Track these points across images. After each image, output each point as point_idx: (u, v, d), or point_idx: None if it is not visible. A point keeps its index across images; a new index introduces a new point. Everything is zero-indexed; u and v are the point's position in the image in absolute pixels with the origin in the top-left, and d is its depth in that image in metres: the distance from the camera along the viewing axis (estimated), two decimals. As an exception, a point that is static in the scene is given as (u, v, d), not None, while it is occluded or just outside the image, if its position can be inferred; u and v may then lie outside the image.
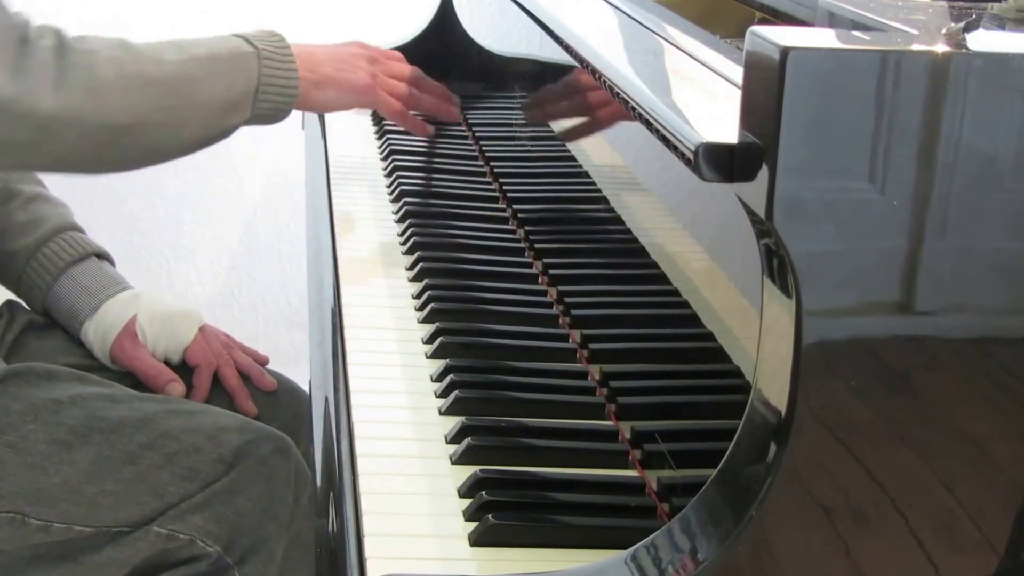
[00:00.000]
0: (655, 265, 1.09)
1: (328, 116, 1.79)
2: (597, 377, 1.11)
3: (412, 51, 1.92)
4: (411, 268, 1.33)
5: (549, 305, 1.24)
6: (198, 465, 1.29)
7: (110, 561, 1.28)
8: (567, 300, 1.22)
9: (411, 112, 1.56)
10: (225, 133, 1.37)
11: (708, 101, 0.91)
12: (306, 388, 1.44)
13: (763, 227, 0.76)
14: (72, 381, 1.34)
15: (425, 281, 1.28)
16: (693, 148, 0.77)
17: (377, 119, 1.80)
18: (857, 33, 0.83)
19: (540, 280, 1.30)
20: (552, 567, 0.82)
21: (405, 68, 1.55)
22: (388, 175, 1.60)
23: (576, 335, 1.18)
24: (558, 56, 1.33)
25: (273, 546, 1.30)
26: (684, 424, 1.00)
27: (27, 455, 1.26)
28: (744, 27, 0.78)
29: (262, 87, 1.36)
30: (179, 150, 1.35)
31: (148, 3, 2.63)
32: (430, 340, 1.17)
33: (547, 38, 1.27)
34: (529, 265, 1.33)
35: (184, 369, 1.49)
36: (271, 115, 1.39)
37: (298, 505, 1.32)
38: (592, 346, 1.14)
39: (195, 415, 1.33)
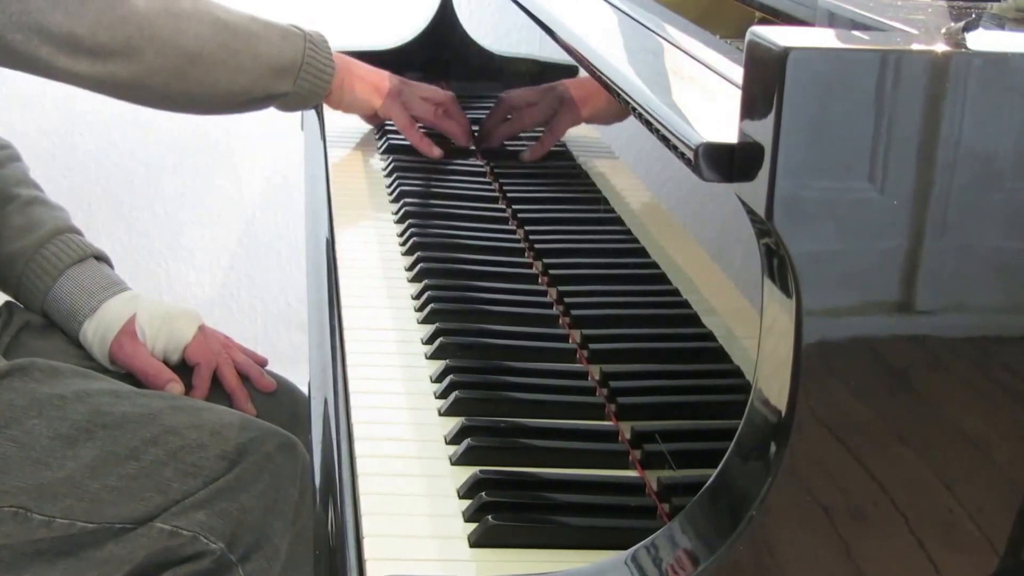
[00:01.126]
0: (655, 265, 1.09)
1: (328, 115, 1.79)
2: (597, 377, 1.11)
3: (412, 51, 1.93)
4: (411, 268, 1.33)
5: (549, 305, 1.24)
6: (202, 461, 1.29)
7: (113, 557, 1.28)
8: (567, 300, 1.22)
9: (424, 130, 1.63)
10: (262, 100, 1.49)
11: (708, 101, 0.91)
12: (305, 389, 1.44)
13: (763, 227, 0.76)
14: (76, 377, 1.35)
15: (425, 281, 1.28)
16: (693, 148, 0.77)
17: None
18: (857, 33, 0.83)
19: (540, 280, 1.30)
20: (552, 568, 0.82)
21: (437, 92, 1.64)
22: (388, 175, 1.60)
23: (576, 335, 1.18)
24: (558, 56, 1.33)
25: (277, 543, 1.30)
26: (684, 424, 1.00)
27: (31, 450, 1.26)
28: (744, 27, 0.78)
29: (305, 64, 1.49)
30: (227, 99, 1.46)
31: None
32: (430, 340, 1.17)
33: (547, 38, 1.27)
34: (529, 265, 1.33)
35: (183, 368, 1.49)
36: (307, 95, 1.51)
37: (303, 502, 1.32)
38: (592, 346, 1.14)
39: (199, 412, 1.34)
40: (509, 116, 1.59)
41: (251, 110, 1.52)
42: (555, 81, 1.45)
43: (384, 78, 1.61)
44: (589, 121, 1.39)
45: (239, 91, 1.46)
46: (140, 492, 1.27)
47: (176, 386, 1.46)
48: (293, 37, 1.49)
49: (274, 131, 2.31)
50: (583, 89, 1.37)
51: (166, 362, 1.49)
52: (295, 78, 1.49)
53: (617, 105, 0.97)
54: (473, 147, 1.65)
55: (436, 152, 1.62)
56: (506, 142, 1.60)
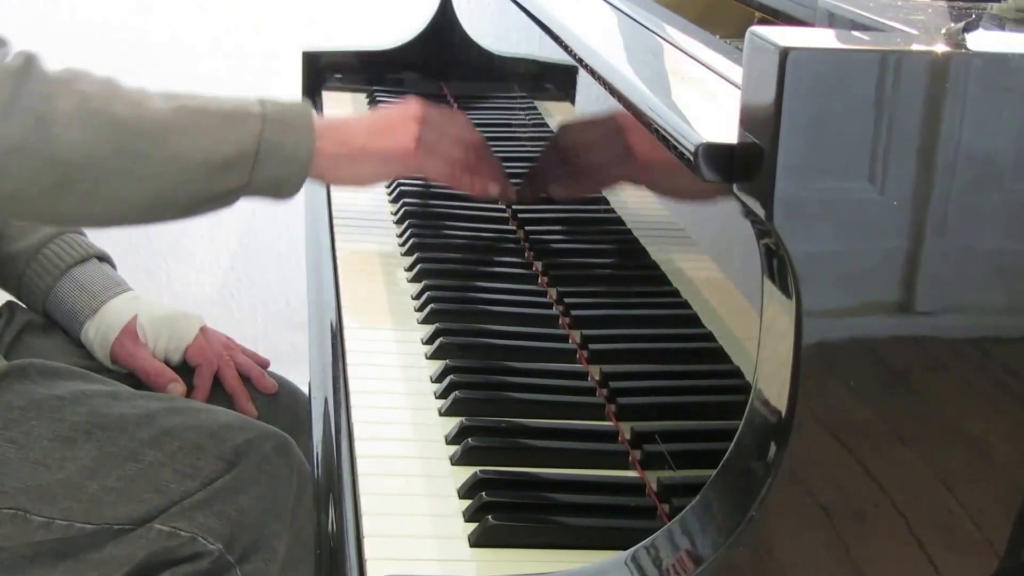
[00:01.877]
0: (655, 265, 1.09)
1: (328, 115, 1.79)
2: (597, 378, 1.11)
3: (412, 51, 1.93)
4: (411, 268, 1.33)
5: (549, 305, 1.24)
6: (200, 463, 1.29)
7: (111, 558, 1.28)
8: (567, 300, 1.22)
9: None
10: (218, 199, 1.23)
11: (708, 101, 0.91)
12: (305, 389, 1.44)
13: (763, 227, 0.76)
14: (75, 378, 1.35)
15: (425, 281, 1.28)
16: (693, 148, 0.77)
17: (377, 119, 1.79)
18: (857, 33, 0.83)
19: (540, 280, 1.30)
20: (552, 568, 0.82)
21: (464, 132, 1.37)
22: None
23: (576, 335, 1.18)
24: (558, 56, 1.32)
25: (275, 543, 1.30)
26: (684, 424, 1.00)
27: (30, 451, 1.26)
28: (744, 27, 0.78)
29: (263, 152, 1.22)
30: (153, 208, 1.21)
31: (151, 3, 2.63)
32: (430, 340, 1.17)
33: (547, 38, 1.27)
34: (529, 265, 1.33)
35: (184, 369, 1.50)
36: (276, 185, 1.24)
37: (300, 503, 1.32)
38: (592, 347, 1.14)
39: (197, 413, 1.34)
40: (565, 160, 1.32)
41: (203, 212, 1.25)
42: (618, 112, 1.11)
43: (395, 130, 1.32)
44: (650, 187, 1.15)
45: (160, 201, 1.20)
46: (138, 493, 1.27)
47: (177, 387, 1.46)
48: (243, 120, 1.22)
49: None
50: (652, 154, 1.09)
51: (167, 363, 1.49)
52: (250, 170, 1.22)
53: (692, 184, 0.82)
54: (507, 203, 1.42)
55: (511, 193, 1.38)
56: (504, 139, 1.60)
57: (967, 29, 0.80)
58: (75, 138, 1.14)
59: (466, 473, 0.96)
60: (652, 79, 1.00)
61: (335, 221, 1.45)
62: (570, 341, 1.18)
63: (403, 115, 1.33)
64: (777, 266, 0.77)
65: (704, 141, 0.77)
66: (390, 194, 1.54)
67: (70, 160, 1.14)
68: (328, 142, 1.26)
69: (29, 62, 1.14)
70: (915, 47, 0.76)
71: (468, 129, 1.38)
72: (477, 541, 0.89)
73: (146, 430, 1.29)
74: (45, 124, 1.13)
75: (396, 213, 1.48)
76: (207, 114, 1.21)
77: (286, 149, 1.23)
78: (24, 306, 1.52)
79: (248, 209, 2.74)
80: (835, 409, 0.77)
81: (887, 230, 0.75)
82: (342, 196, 1.53)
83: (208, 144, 1.20)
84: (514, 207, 1.45)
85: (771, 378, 0.78)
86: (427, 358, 1.15)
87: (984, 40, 0.80)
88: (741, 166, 0.76)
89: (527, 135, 1.57)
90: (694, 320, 0.99)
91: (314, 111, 1.26)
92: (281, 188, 1.25)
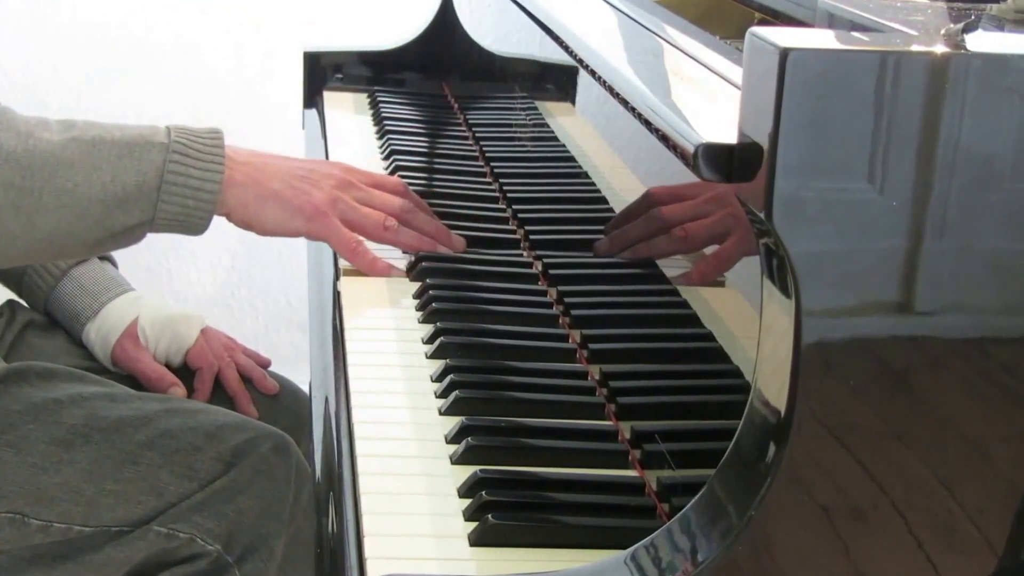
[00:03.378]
0: (655, 265, 1.10)
1: (329, 115, 1.79)
2: (597, 377, 1.11)
3: (412, 51, 1.93)
4: (411, 268, 1.33)
5: (549, 305, 1.24)
6: (198, 464, 1.29)
7: (110, 561, 1.28)
8: (567, 300, 1.23)
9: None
10: (122, 235, 1.17)
11: (708, 101, 0.91)
12: (306, 389, 1.44)
13: (762, 227, 0.76)
14: (72, 381, 1.34)
15: (425, 281, 1.28)
16: (693, 148, 0.77)
17: (377, 119, 1.80)
18: (856, 34, 0.83)
19: (540, 280, 1.30)
20: (552, 567, 0.82)
21: (391, 200, 1.29)
22: (389, 175, 1.60)
23: (576, 335, 1.18)
24: (558, 56, 1.33)
25: (273, 544, 1.30)
26: (684, 424, 1.00)
27: (27, 455, 1.26)
28: (744, 28, 0.78)
29: (166, 185, 1.16)
30: (48, 245, 1.15)
31: (152, 3, 2.63)
32: (430, 340, 1.17)
33: (547, 38, 1.27)
34: (529, 265, 1.33)
35: (185, 371, 1.50)
36: (183, 221, 1.18)
37: (298, 503, 1.32)
38: (592, 346, 1.15)
39: (195, 414, 1.34)
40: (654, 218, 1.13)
41: (108, 249, 1.20)
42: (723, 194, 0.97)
43: (313, 185, 1.24)
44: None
45: (55, 237, 1.14)
46: (136, 495, 1.27)
47: (178, 390, 1.46)
48: (145, 151, 1.15)
49: (275, 130, 2.31)
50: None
51: (168, 365, 1.49)
52: (154, 204, 1.16)
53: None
54: (455, 252, 1.32)
55: (380, 266, 1.29)
56: (504, 139, 1.60)
57: (966, 30, 0.80)
58: None
59: (466, 472, 0.96)
60: (652, 80, 1.01)
61: (335, 221, 1.45)
62: (570, 341, 1.18)
63: (327, 172, 1.27)
64: (777, 266, 0.77)
65: (704, 141, 0.77)
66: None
67: None
68: (242, 175, 1.21)
69: None
70: (915, 47, 0.76)
71: (393, 202, 1.29)
72: (477, 540, 0.89)
73: (144, 432, 1.29)
74: None
75: (396, 213, 1.48)
76: (103, 145, 1.15)
77: (192, 181, 1.17)
78: (26, 305, 1.52)
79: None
80: (834, 409, 0.77)
81: (887, 230, 0.75)
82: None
83: (104, 178, 1.14)
84: (514, 207, 1.45)
85: (770, 378, 0.78)
86: (427, 357, 1.15)
87: (983, 41, 0.80)
88: (741, 166, 0.76)
89: (527, 135, 1.57)
90: (694, 320, 0.99)
91: (225, 140, 1.21)
92: (189, 223, 1.19)
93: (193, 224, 1.19)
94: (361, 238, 1.27)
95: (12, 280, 1.50)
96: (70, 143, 1.14)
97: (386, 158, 1.66)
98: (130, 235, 1.18)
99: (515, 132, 1.63)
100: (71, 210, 1.13)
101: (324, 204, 1.23)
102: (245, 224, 1.24)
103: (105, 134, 1.16)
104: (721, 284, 0.97)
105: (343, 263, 1.32)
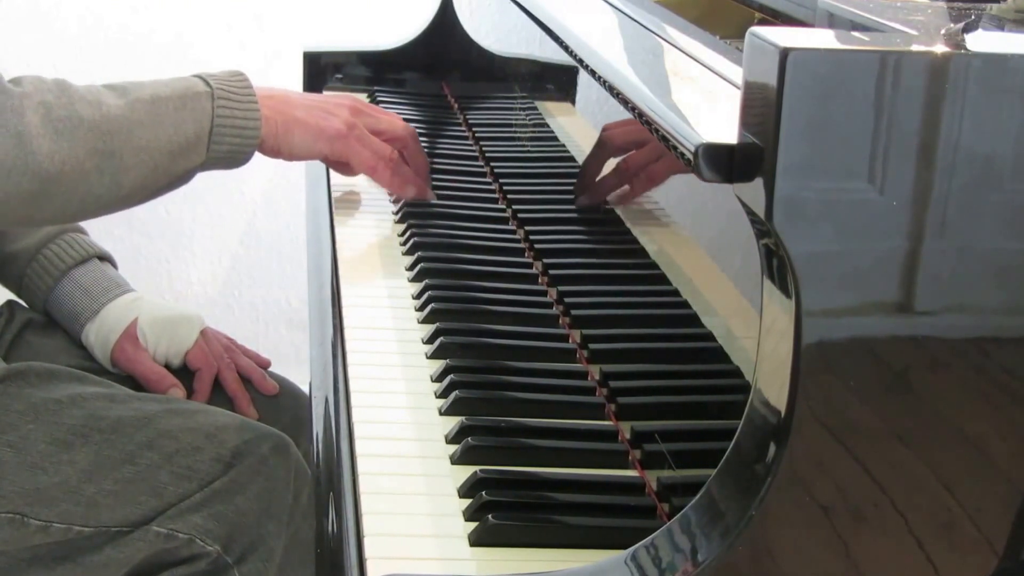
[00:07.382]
0: (655, 265, 1.10)
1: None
2: (597, 377, 1.11)
3: (412, 51, 1.93)
4: (411, 268, 1.33)
5: (549, 305, 1.24)
6: (197, 464, 1.29)
7: (109, 561, 1.28)
8: (567, 300, 1.23)
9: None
10: (179, 179, 1.29)
11: (708, 101, 0.91)
12: (306, 389, 1.44)
13: (763, 227, 0.76)
14: (72, 381, 1.34)
15: (425, 281, 1.28)
16: (693, 148, 0.77)
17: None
18: (856, 34, 0.83)
19: (540, 280, 1.30)
20: (552, 567, 0.82)
21: (396, 126, 1.44)
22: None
23: (576, 335, 1.18)
24: (558, 56, 1.33)
25: (272, 545, 1.30)
26: (684, 424, 1.00)
27: (27, 455, 1.26)
28: (744, 27, 0.78)
29: (216, 128, 1.28)
30: (125, 199, 1.26)
31: (153, 3, 2.63)
32: (430, 340, 1.17)
33: (547, 38, 1.27)
34: (529, 265, 1.33)
35: (185, 373, 1.49)
36: (230, 158, 1.30)
37: (297, 504, 1.33)
38: (592, 346, 1.15)
39: (194, 415, 1.34)
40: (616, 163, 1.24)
41: (162, 194, 1.30)
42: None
43: (329, 113, 1.38)
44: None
45: (133, 191, 1.25)
46: (136, 496, 1.27)
47: (178, 392, 1.46)
48: (195, 100, 1.27)
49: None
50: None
51: (168, 366, 1.49)
52: (206, 147, 1.28)
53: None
54: (434, 199, 1.47)
55: (413, 191, 1.45)
56: (504, 139, 1.60)
57: (966, 30, 0.80)
58: (51, 147, 1.17)
59: (466, 472, 0.97)
60: (652, 79, 1.01)
61: (336, 221, 1.45)
62: (570, 341, 1.18)
63: (339, 102, 1.41)
64: (777, 266, 0.77)
65: (704, 141, 0.77)
66: (391, 193, 1.54)
67: (50, 169, 1.17)
68: (269, 110, 1.32)
69: None
70: (915, 47, 0.76)
71: (399, 126, 1.44)
72: (477, 540, 0.89)
73: (143, 432, 1.29)
74: (23, 139, 1.16)
75: (397, 213, 1.48)
76: (160, 101, 1.25)
77: (237, 122, 1.29)
78: (25, 305, 1.52)
79: (249, 209, 2.75)
80: (835, 409, 0.77)
81: (887, 230, 0.75)
82: (344, 196, 1.53)
83: (168, 131, 1.25)
84: (514, 207, 1.45)
85: (771, 378, 0.78)
86: (427, 358, 1.15)
87: (983, 41, 0.80)
88: (741, 166, 0.76)
89: (527, 135, 1.57)
90: (694, 320, 0.99)
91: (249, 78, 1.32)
92: (235, 159, 1.31)
93: (238, 159, 1.31)
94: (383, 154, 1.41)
95: (12, 280, 1.50)
96: (135, 104, 1.24)
97: (386, 158, 1.66)
98: (186, 177, 1.30)
99: (515, 132, 1.63)
100: (147, 165, 1.24)
101: (344, 128, 1.37)
102: (274, 151, 1.36)
103: (157, 91, 1.26)
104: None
105: (342, 263, 1.32)
